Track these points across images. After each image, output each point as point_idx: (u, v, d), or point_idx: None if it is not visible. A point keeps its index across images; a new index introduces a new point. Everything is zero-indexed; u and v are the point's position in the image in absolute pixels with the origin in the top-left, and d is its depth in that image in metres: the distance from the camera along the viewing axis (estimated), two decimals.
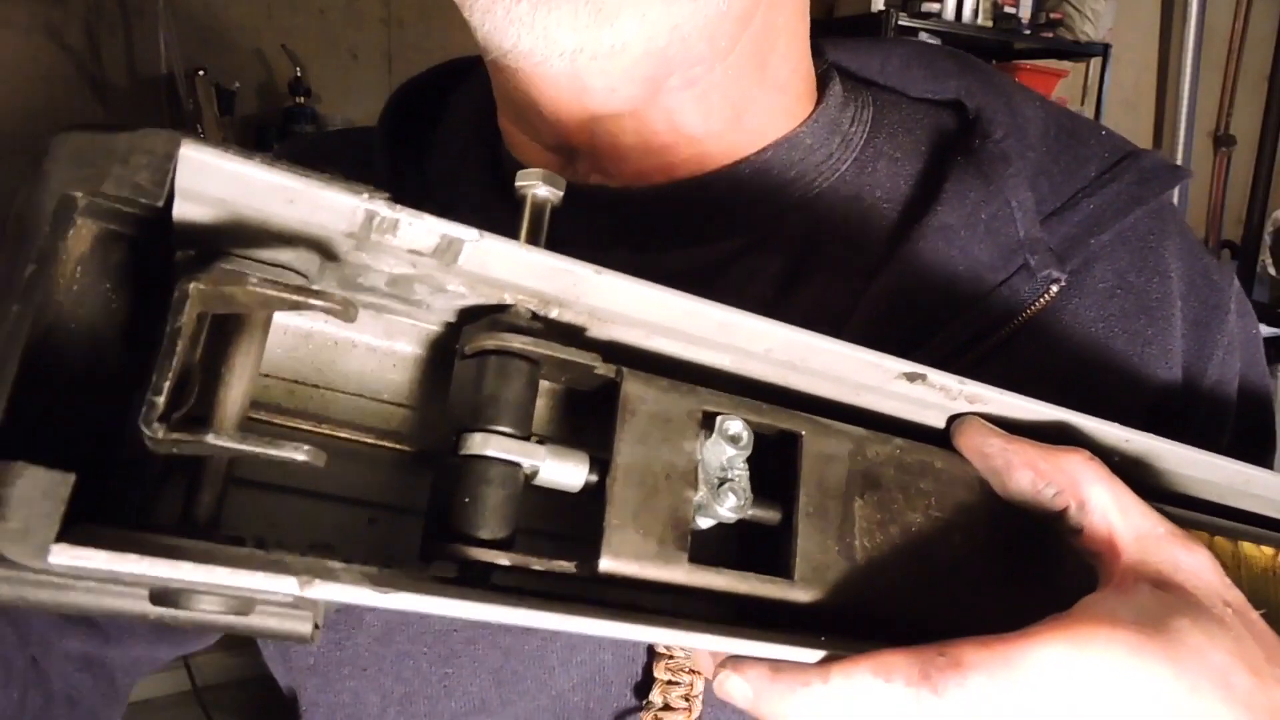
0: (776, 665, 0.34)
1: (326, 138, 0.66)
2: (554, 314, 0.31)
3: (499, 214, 0.42)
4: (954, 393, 0.38)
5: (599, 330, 0.32)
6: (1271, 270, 3.24)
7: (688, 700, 0.47)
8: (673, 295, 0.30)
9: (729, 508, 0.33)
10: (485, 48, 0.44)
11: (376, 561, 0.28)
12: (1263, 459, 0.57)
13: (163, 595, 0.26)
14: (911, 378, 0.36)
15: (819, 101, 0.53)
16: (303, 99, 2.52)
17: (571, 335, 0.33)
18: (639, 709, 0.48)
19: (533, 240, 0.31)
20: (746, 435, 0.34)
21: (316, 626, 0.29)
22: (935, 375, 0.37)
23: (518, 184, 0.33)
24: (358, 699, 0.50)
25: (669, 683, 0.47)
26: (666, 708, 0.47)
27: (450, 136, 0.57)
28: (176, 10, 2.42)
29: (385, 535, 0.34)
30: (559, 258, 0.28)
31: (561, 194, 0.33)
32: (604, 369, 0.32)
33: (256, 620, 0.28)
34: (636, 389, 0.32)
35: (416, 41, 2.78)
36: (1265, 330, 3.10)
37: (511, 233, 0.31)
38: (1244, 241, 3.43)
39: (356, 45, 2.78)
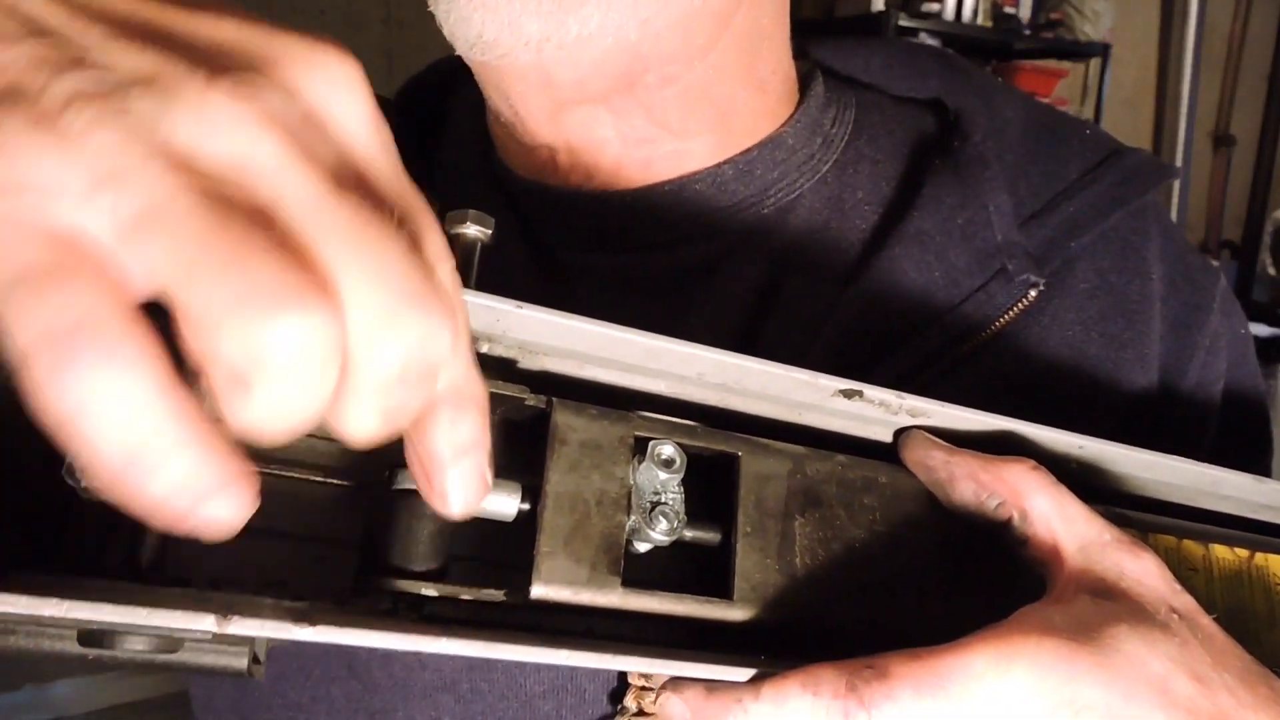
0: (711, 685, 0.34)
1: None
2: (485, 349, 0.32)
3: (492, 209, 0.42)
4: (894, 407, 0.38)
5: (531, 362, 0.33)
6: (1271, 270, 3.23)
7: None
8: (594, 325, 0.31)
9: (661, 531, 0.33)
10: (452, 40, 0.43)
11: (326, 595, 0.28)
12: (1258, 459, 0.56)
13: (89, 637, 0.26)
14: (849, 394, 0.36)
15: (801, 101, 0.53)
16: None
17: (504, 369, 0.33)
18: (613, 715, 0.47)
19: (461, 280, 0.32)
20: (679, 459, 0.34)
21: (257, 661, 0.30)
22: (872, 391, 0.37)
23: (446, 227, 0.33)
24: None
25: (643, 688, 0.46)
26: (640, 713, 0.46)
27: (454, 128, 0.57)
28: None
29: (334, 569, 0.34)
30: (479, 295, 0.29)
31: (490, 232, 0.33)
32: (534, 400, 0.33)
33: (189, 657, 0.28)
34: (566, 418, 0.33)
35: (417, 41, 2.78)
36: (1265, 330, 3.09)
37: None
38: (1244, 241, 3.42)
39: (356, 45, 2.77)
